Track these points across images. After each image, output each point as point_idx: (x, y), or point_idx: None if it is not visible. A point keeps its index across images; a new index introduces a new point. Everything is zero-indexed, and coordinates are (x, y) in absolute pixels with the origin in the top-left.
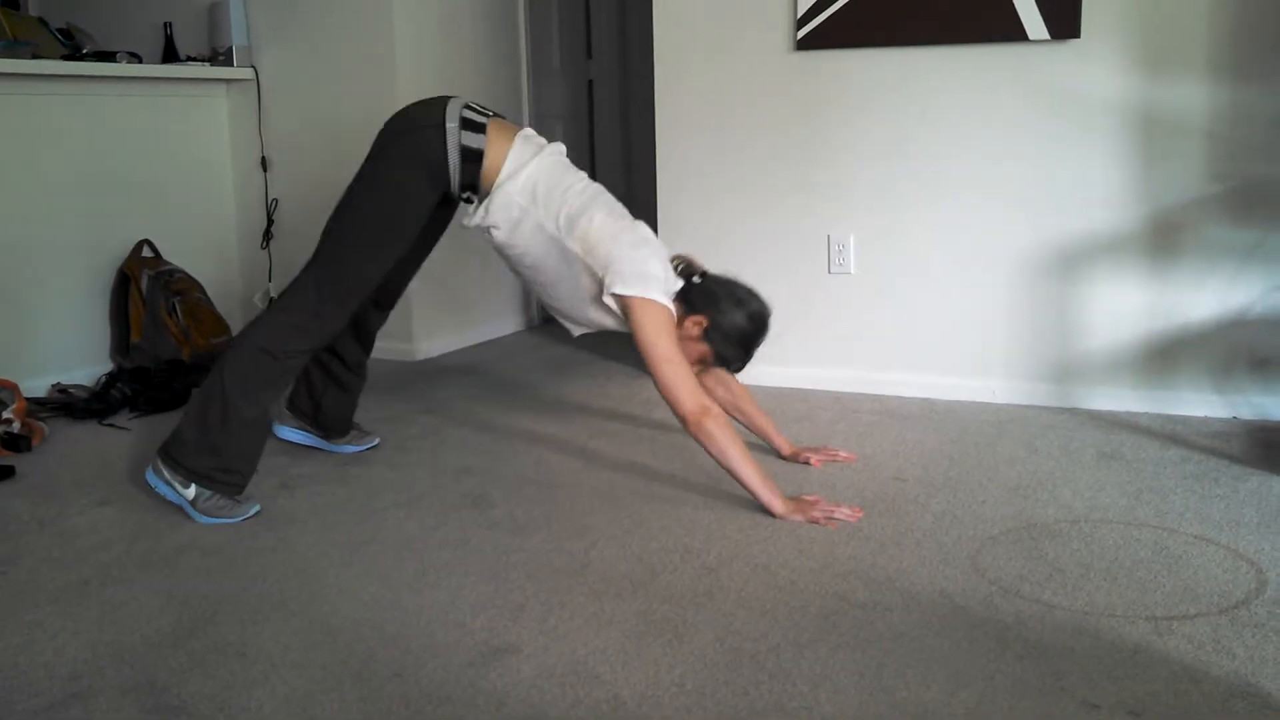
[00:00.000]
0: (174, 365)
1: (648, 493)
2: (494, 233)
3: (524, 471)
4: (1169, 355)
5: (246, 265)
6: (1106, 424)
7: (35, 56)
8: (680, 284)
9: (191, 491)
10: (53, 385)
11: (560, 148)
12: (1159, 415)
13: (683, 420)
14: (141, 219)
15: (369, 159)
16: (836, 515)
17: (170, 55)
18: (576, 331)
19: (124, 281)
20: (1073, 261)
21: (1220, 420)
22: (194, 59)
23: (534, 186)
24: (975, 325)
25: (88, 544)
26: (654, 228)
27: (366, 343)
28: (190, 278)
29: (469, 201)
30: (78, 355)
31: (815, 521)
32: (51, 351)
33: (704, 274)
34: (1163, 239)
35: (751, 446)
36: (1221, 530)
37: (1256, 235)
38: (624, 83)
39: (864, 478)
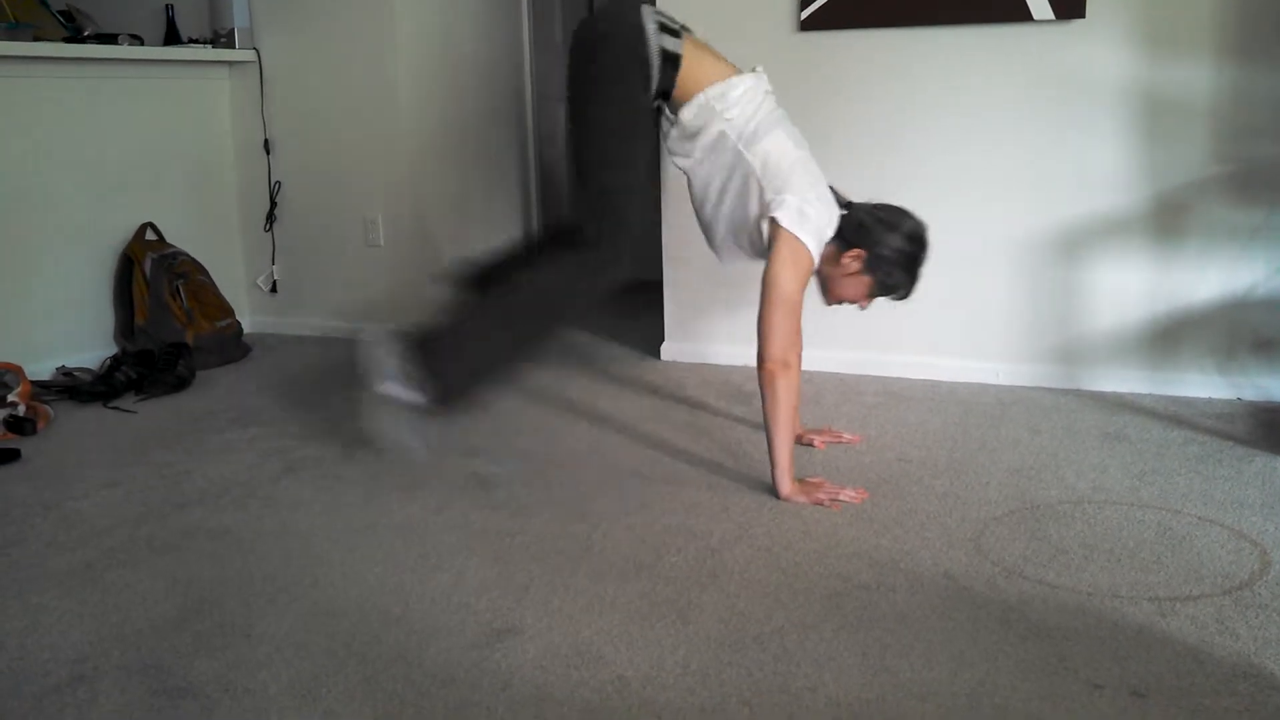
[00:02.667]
0: (178, 348)
1: (651, 475)
2: (682, 144)
3: (527, 453)
4: (1173, 337)
5: (250, 248)
6: (1110, 405)
7: (37, 39)
8: (839, 217)
9: (420, 395)
10: (57, 368)
11: (761, 74)
12: (1163, 397)
13: (761, 360)
14: (144, 202)
15: (575, 78)
16: (841, 497)
17: (172, 37)
18: (726, 260)
19: (127, 264)
20: (1076, 243)
21: (1224, 401)
22: (196, 41)
23: (738, 100)
24: (979, 307)
25: (93, 527)
26: (657, 209)
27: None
28: (194, 260)
29: (659, 111)
30: (82, 338)
31: (819, 503)
32: (56, 335)
33: (849, 204)
34: (1167, 220)
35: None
36: (1225, 511)
37: (1260, 216)
38: None
39: (868, 459)
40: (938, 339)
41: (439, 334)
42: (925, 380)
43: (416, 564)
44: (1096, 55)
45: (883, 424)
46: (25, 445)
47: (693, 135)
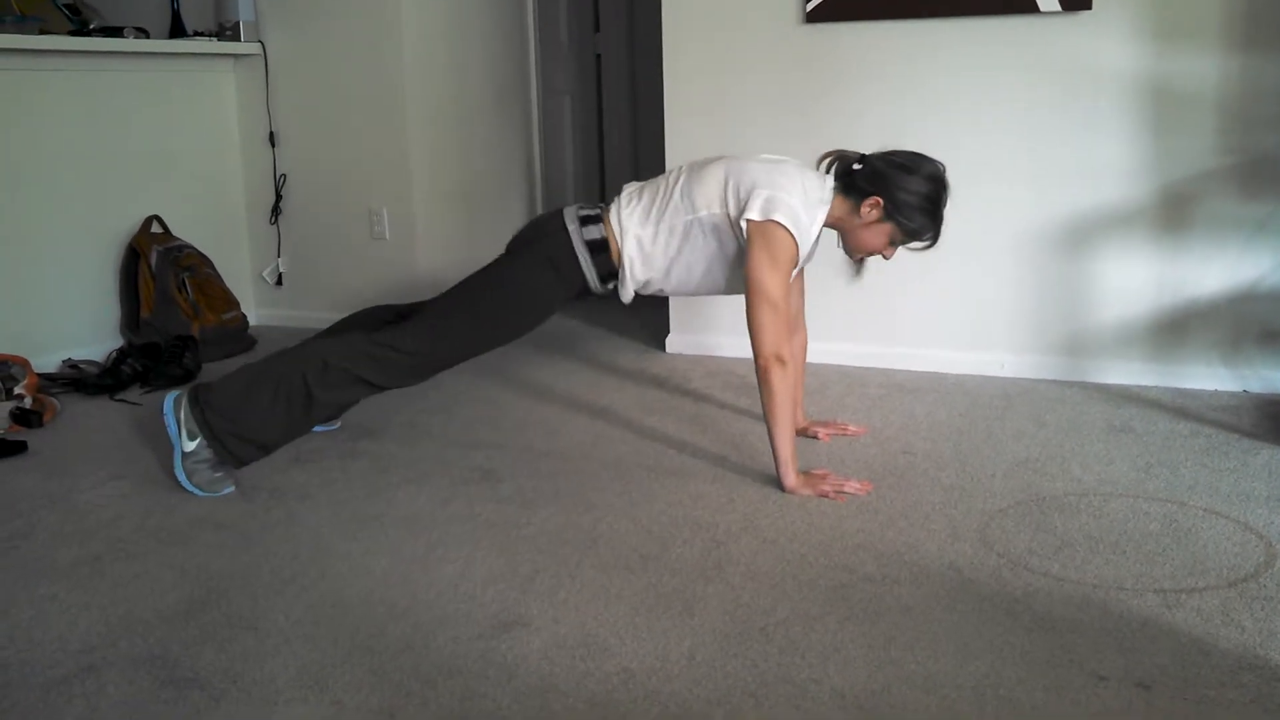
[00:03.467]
0: (184, 341)
1: (656, 467)
2: (653, 285)
3: (533, 446)
4: (1178, 329)
5: (255, 240)
6: (1116, 397)
7: (42, 32)
8: (831, 182)
9: (192, 445)
10: (64, 361)
11: (633, 186)
12: (1168, 389)
13: (755, 357)
14: (150, 195)
15: (501, 261)
16: (846, 489)
17: (177, 30)
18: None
19: (133, 257)
20: (1082, 235)
21: (1230, 394)
22: (201, 34)
23: (640, 235)
24: (984, 299)
25: (100, 519)
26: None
27: None
28: (199, 253)
29: (614, 290)
30: (88, 331)
31: (824, 495)
32: (62, 327)
33: (862, 158)
34: (1172, 212)
35: None
36: (1231, 503)
37: (1266, 209)
38: (632, 56)
39: (873, 451)
40: (943, 331)
41: (220, 389)
42: (930, 372)
43: (423, 556)
44: (1103, 47)
45: (888, 416)
46: (32, 438)
47: (645, 273)
